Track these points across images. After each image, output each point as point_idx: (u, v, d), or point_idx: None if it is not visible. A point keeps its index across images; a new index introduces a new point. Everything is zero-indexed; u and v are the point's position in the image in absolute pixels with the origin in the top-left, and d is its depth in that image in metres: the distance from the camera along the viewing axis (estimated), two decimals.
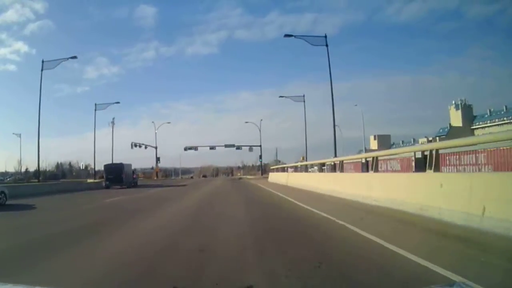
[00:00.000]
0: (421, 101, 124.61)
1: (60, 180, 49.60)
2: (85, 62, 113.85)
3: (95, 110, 37.93)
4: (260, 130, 57.89)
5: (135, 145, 54.01)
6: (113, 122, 51.95)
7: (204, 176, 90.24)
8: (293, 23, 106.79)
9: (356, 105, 50.42)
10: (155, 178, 58.92)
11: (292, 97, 40.23)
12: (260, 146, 58.37)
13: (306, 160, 31.24)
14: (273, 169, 34.67)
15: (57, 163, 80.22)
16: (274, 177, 30.16)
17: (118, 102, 45.16)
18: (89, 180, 37.48)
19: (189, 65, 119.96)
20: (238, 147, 59.33)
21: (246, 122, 61.76)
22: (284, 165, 32.32)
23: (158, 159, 58.85)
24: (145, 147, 55.93)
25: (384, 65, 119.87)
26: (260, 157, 58.54)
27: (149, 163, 75.86)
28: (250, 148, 58.83)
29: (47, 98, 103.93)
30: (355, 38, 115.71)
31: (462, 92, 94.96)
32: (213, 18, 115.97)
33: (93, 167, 47.01)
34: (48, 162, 57.92)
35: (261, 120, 59.46)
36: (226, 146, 59.22)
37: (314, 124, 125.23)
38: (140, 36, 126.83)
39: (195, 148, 59.39)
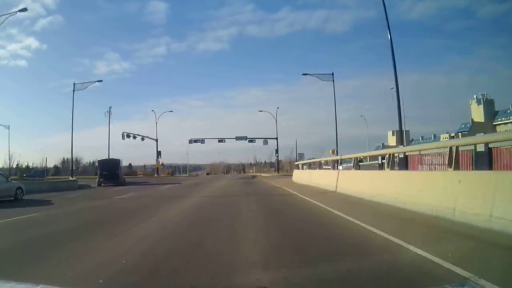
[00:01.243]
0: (432, 99, 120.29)
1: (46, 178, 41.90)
2: (96, 57, 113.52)
3: (74, 90, 30.40)
4: (276, 120, 49.98)
5: (128, 136, 46.88)
6: (109, 112, 45.10)
7: (208, 174, 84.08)
8: (304, 20, 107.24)
9: (392, 88, 41.74)
10: (156, 175, 51.48)
11: (318, 75, 32.06)
12: (277, 138, 50.80)
13: (337, 155, 25.11)
14: (298, 165, 26.37)
15: (63, 158, 75.41)
16: (301, 176, 22.10)
17: (100, 81, 40.66)
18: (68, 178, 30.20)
19: (200, 61, 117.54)
20: (251, 140, 51.73)
21: (260, 111, 53.74)
22: (316, 160, 24.01)
23: (159, 154, 51.71)
24: (142, 139, 48.85)
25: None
26: (277, 151, 51.06)
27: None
28: (265, 141, 51.14)
29: (56, 93, 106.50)
30: (365, 36, 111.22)
31: (474, 90, 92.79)
32: (225, 14, 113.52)
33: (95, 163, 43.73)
34: (54, 158, 53.34)
35: (278, 108, 51.28)
36: (237, 138, 51.63)
37: (323, 122, 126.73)
38: (151, 32, 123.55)
39: (202, 141, 51.96)
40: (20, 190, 14.48)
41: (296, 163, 29.40)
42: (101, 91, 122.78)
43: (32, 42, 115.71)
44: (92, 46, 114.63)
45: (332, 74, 32.60)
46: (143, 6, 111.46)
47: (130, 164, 73.60)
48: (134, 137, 49.78)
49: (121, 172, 29.33)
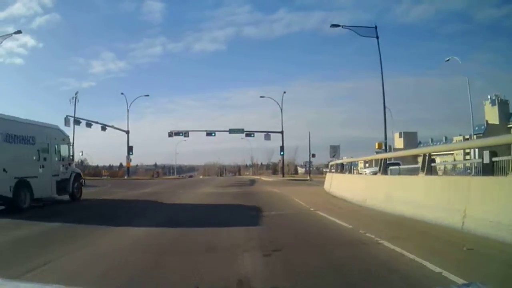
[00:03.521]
0: (433, 101, 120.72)
1: None
2: (92, 57, 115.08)
3: None
4: (281, 109, 38.65)
5: (89, 125, 34.86)
6: (75, 98, 34.90)
7: (190, 176, 76.49)
8: (301, 22, 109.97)
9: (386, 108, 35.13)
10: (126, 177, 39.93)
11: (355, 27, 21.04)
12: (282, 132, 39.18)
13: (387, 150, 19.82)
14: (333, 167, 15.86)
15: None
16: (347, 185, 12.75)
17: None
18: None
19: (196, 61, 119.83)
20: (249, 134, 39.99)
21: (262, 97, 42.46)
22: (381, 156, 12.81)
23: (130, 149, 39.70)
24: (103, 128, 36.78)
25: (388, 66, 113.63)
26: (282, 148, 39.13)
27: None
28: (267, 135, 39.97)
29: (52, 92, 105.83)
30: (361, 38, 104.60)
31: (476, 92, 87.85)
32: (221, 14, 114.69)
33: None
34: None
35: (284, 92, 39.86)
36: (231, 131, 40.24)
37: (316, 124, 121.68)
38: (147, 32, 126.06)
39: (185, 134, 40.22)
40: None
41: (333, 163, 17.82)
42: (97, 91, 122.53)
43: (29, 40, 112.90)
44: (88, 45, 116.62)
45: (376, 27, 21.66)
46: (139, 6, 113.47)
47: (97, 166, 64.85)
48: (89, 125, 37.97)
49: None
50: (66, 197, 12.15)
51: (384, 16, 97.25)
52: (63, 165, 12.03)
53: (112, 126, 38.74)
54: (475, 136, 65.63)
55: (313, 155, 38.34)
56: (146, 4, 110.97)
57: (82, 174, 13.58)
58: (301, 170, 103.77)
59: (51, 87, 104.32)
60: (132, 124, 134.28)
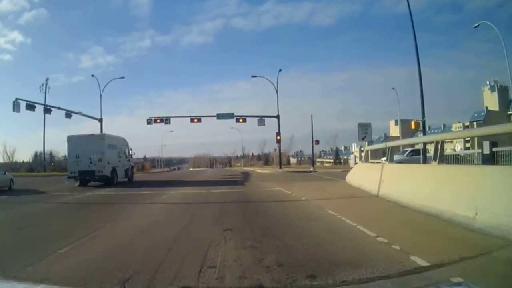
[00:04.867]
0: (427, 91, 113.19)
1: None
2: (81, 51, 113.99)
3: None
4: (277, 90, 33.59)
5: (48, 110, 29.11)
6: (46, 84, 31.25)
7: (177, 169, 75.20)
8: (290, 13, 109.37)
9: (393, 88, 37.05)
10: None
11: None
12: (278, 116, 34.20)
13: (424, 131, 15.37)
14: (368, 152, 10.28)
15: (35, 152, 67.22)
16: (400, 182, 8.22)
17: None
18: None
19: (185, 54, 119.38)
20: (240, 118, 34.67)
21: (253, 76, 37.17)
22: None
23: None
24: (68, 115, 31.09)
25: (380, 57, 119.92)
26: (278, 134, 34.02)
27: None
28: (261, 120, 34.83)
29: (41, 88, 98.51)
30: (352, 29, 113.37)
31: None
32: (210, 6, 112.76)
33: None
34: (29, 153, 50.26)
35: (280, 70, 34.78)
36: (219, 116, 34.80)
37: (309, 115, 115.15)
38: (135, 25, 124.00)
39: (166, 121, 34.56)
40: (12, 181, 16.13)
41: (369, 148, 12.69)
42: (86, 85, 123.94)
43: (17, 36, 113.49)
44: (77, 40, 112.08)
45: None
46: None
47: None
48: (70, 115, 32.06)
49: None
50: (125, 179, 19.91)
51: (373, 7, 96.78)
52: (127, 161, 20.82)
53: (79, 113, 32.72)
54: (475, 123, 64.52)
55: (317, 142, 33.40)
56: None
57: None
58: (293, 160, 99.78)
59: (39, 83, 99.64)
60: (125, 118, 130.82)
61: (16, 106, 25.89)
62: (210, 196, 10.67)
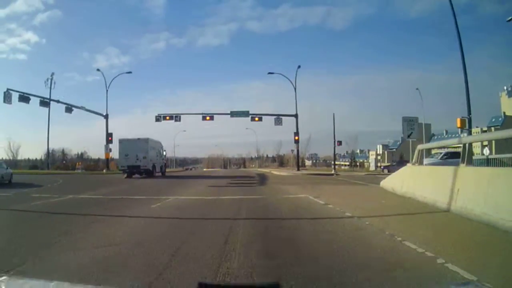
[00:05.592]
0: (436, 96, 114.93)
1: None
2: (96, 51, 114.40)
3: None
4: (295, 88, 31.05)
5: (69, 109, 27.86)
6: (51, 79, 31.77)
7: (190, 169, 73.17)
8: (305, 16, 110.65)
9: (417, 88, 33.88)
10: (104, 171, 32.67)
11: None
12: (296, 115, 31.43)
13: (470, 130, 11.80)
14: (422, 151, 7.95)
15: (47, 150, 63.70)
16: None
17: None
18: None
19: (200, 56, 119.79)
20: (255, 117, 32.08)
21: (270, 73, 34.42)
22: None
23: (109, 136, 32.07)
24: (68, 109, 29.32)
25: (391, 61, 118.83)
26: (296, 133, 31.29)
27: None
28: (278, 118, 32.09)
29: (58, 86, 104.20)
30: (365, 32, 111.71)
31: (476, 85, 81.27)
32: (224, 9, 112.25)
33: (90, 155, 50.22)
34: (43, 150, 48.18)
35: (299, 67, 32.13)
36: (232, 114, 32.22)
37: (324, 115, 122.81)
38: (150, 27, 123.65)
39: (175, 118, 32.20)
40: (11, 176, 17.42)
41: (424, 146, 9.94)
42: (101, 85, 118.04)
43: (31, 36, 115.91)
44: (91, 41, 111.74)
45: None
46: (142, 1, 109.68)
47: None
48: (68, 109, 30.15)
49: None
50: (159, 173, 25.33)
51: (387, 9, 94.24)
52: (162, 159, 26.93)
53: (82, 108, 30.82)
54: (493, 128, 61.25)
55: (339, 143, 30.37)
56: None
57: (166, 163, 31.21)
58: (307, 163, 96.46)
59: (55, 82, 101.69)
60: (138, 117, 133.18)
61: (7, 98, 23.92)
62: (215, 206, 8.01)
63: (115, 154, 31.19)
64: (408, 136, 13.82)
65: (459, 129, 16.51)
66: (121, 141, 23.07)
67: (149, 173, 22.56)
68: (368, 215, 6.10)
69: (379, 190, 11.40)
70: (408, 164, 9.31)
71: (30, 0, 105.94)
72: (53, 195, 10.53)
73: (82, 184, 17.26)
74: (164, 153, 27.75)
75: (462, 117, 15.43)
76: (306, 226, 5.19)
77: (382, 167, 43.04)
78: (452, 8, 14.86)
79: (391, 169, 31.90)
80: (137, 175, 22.33)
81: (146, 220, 6.10)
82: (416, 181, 8.75)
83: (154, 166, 23.46)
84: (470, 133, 15.92)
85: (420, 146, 9.39)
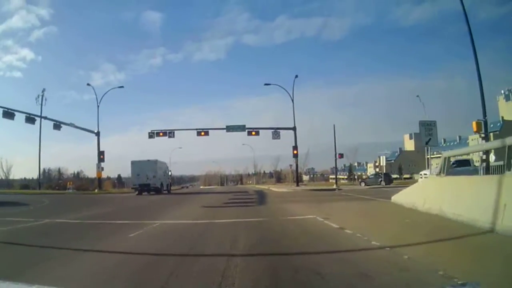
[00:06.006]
0: (434, 103, 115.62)
1: None
2: (92, 69, 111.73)
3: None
4: (292, 100, 30.21)
5: (57, 126, 26.55)
6: (42, 96, 32.95)
7: (186, 187, 71.02)
8: (302, 27, 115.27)
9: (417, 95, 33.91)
10: (96, 190, 31.15)
11: None
12: (294, 128, 30.33)
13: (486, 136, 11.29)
14: (448, 159, 7.75)
15: (43, 169, 62.62)
16: None
17: None
18: None
19: (197, 71, 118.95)
20: (252, 131, 30.89)
21: (267, 84, 33.45)
22: None
23: (101, 154, 30.68)
24: (57, 126, 27.98)
25: (388, 70, 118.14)
26: (295, 148, 30.02)
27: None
28: (275, 132, 30.78)
29: (55, 104, 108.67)
30: (362, 42, 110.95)
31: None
32: (221, 23, 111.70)
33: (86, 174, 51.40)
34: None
35: (296, 76, 31.22)
36: (228, 128, 31.06)
37: (322, 129, 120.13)
38: (146, 43, 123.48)
39: (168, 134, 30.97)
40: None
41: (451, 153, 8.70)
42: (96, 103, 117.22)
43: (27, 53, 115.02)
44: (87, 58, 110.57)
45: None
46: (137, 17, 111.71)
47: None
48: (57, 126, 28.79)
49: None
50: (165, 191, 28.06)
51: (384, 18, 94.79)
52: (168, 178, 30.22)
53: (71, 124, 29.45)
54: (491, 134, 60.01)
55: (341, 155, 29.13)
56: (145, 15, 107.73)
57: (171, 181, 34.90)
58: (305, 178, 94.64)
59: (50, 99, 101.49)
60: (136, 135, 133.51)
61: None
62: (208, 233, 6.63)
63: (123, 173, 34.34)
64: (426, 143, 12.58)
65: (475, 133, 15.52)
66: (133, 163, 25.82)
67: (157, 191, 25.48)
68: (401, 244, 4.76)
69: (394, 206, 10.11)
70: (425, 175, 7.97)
71: (26, 16, 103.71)
72: (28, 219, 9.25)
73: (68, 206, 15.97)
74: (170, 173, 31.74)
75: (478, 120, 14.29)
76: (330, 266, 3.69)
77: (360, 180, 42.14)
78: (465, 15, 13.98)
79: (367, 182, 30.94)
80: (145, 193, 24.91)
81: (115, 257, 4.69)
82: (444, 195, 7.45)
83: (162, 184, 26.61)
84: (487, 136, 14.77)
85: (446, 153, 8.13)
